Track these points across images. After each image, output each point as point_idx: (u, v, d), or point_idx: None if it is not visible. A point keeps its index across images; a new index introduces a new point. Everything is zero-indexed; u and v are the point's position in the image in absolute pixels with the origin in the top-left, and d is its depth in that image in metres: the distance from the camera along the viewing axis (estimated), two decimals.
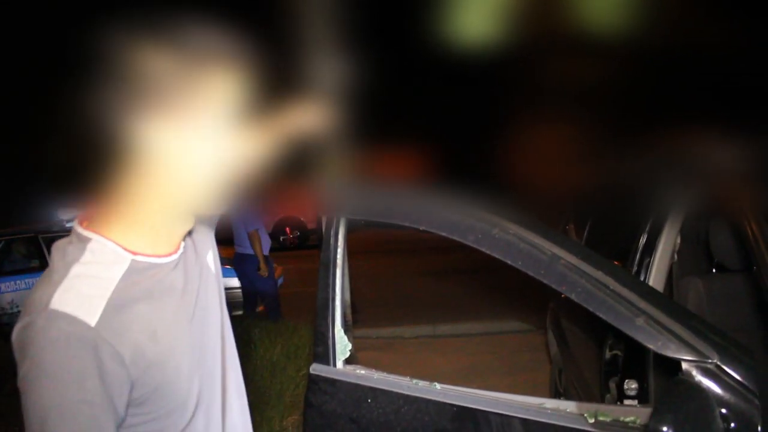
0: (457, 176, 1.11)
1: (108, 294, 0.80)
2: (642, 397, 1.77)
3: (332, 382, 1.66)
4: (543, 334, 4.14)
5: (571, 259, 1.39)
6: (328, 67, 0.85)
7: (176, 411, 0.88)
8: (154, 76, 0.76)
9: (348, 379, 1.65)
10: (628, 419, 1.37)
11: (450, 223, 1.47)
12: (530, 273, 1.39)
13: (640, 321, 1.28)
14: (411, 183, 1.27)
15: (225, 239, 5.50)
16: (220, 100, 0.80)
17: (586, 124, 1.02)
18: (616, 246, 2.23)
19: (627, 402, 1.79)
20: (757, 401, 1.21)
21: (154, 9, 0.75)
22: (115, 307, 0.80)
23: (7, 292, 6.07)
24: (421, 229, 1.50)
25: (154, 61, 0.75)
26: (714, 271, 2.29)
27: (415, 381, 1.60)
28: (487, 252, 1.41)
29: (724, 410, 1.21)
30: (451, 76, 0.95)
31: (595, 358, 2.16)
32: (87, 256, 0.82)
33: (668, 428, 1.09)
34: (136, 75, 0.75)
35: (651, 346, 1.27)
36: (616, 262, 1.80)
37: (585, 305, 1.33)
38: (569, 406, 1.48)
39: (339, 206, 1.66)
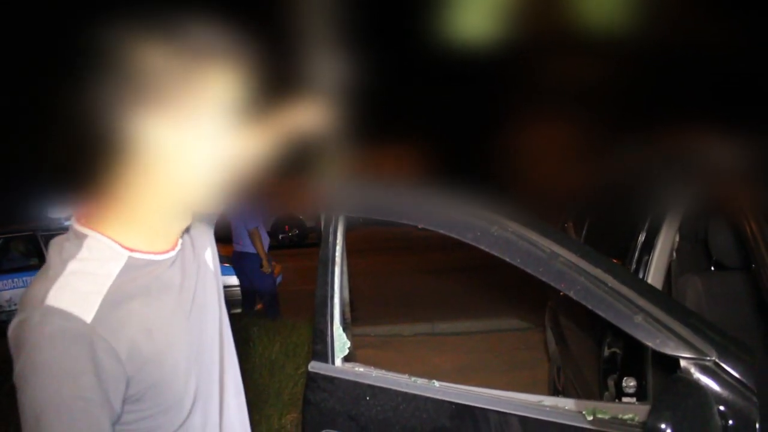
0: (456, 174, 1.11)
1: (104, 290, 0.81)
2: (640, 394, 1.77)
3: (331, 380, 1.66)
4: (541, 331, 4.15)
5: (570, 257, 1.39)
6: (328, 66, 0.85)
7: (173, 408, 0.88)
8: (154, 74, 0.76)
9: (347, 377, 1.65)
10: (626, 416, 1.38)
11: (449, 221, 1.47)
12: (529, 270, 1.39)
13: (638, 318, 1.28)
14: (410, 181, 1.27)
15: (224, 237, 5.50)
16: (219, 98, 0.80)
17: (585, 122, 1.02)
18: (615, 244, 2.23)
19: (625, 399, 1.80)
20: (755, 399, 1.21)
21: (154, 7, 0.75)
22: (112, 303, 0.80)
23: (5, 290, 6.07)
24: (419, 227, 1.50)
25: (154, 59, 0.75)
26: (712, 269, 2.29)
27: (413, 379, 1.60)
28: (486, 250, 1.41)
29: (722, 407, 1.21)
30: (450, 74, 0.95)
31: (594, 356, 2.16)
32: (84, 252, 0.82)
33: (666, 425, 1.09)
34: (136, 72, 0.75)
35: (649, 344, 1.27)
36: (614, 260, 1.80)
37: (584, 303, 1.33)
38: (568, 403, 1.48)
39: (338, 204, 1.65)
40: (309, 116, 0.87)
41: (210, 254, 1.03)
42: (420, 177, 1.13)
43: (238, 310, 5.60)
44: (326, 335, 1.68)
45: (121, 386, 0.80)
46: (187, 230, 0.95)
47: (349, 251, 1.77)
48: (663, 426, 1.10)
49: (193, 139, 0.80)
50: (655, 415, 1.11)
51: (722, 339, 1.29)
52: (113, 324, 0.80)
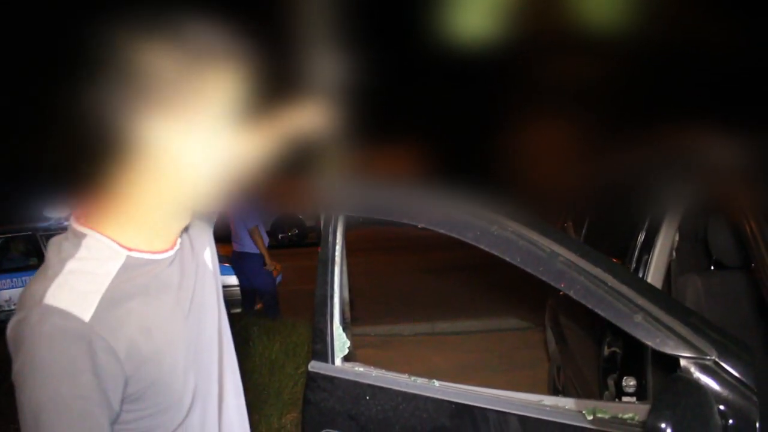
0: (456, 174, 1.11)
1: (102, 290, 0.81)
2: (640, 394, 1.77)
3: (331, 380, 1.66)
4: (541, 331, 4.15)
5: (570, 256, 1.39)
6: (328, 66, 0.85)
7: (172, 407, 0.88)
8: (155, 73, 0.76)
9: (346, 377, 1.65)
10: (626, 416, 1.38)
11: (449, 221, 1.47)
12: (529, 270, 1.39)
13: (638, 318, 1.28)
14: (410, 181, 1.27)
15: (223, 237, 5.50)
16: (220, 97, 0.80)
17: (585, 122, 1.02)
18: (615, 243, 2.23)
19: (625, 399, 1.80)
20: (755, 398, 1.21)
21: (154, 6, 0.75)
22: (110, 302, 0.80)
23: (5, 289, 6.07)
24: (419, 226, 1.50)
25: (155, 58, 0.75)
26: (712, 268, 2.29)
27: (413, 378, 1.60)
28: (486, 249, 1.41)
29: (722, 407, 1.21)
30: (450, 74, 0.95)
31: (594, 355, 2.16)
32: (82, 252, 0.82)
33: (666, 425, 1.09)
34: (137, 72, 0.75)
35: (649, 343, 1.27)
36: (614, 260, 1.80)
37: (583, 302, 1.33)
38: (568, 403, 1.48)
39: (338, 204, 1.65)
40: (309, 117, 0.87)
41: (209, 254, 1.03)
42: (420, 176, 1.13)
43: (238, 310, 5.60)
44: (326, 335, 1.68)
45: (119, 385, 0.80)
46: (186, 230, 0.95)
47: (348, 251, 1.77)
48: (663, 425, 1.10)
49: (194, 139, 0.80)
50: (655, 414, 1.11)
51: (722, 338, 1.29)
52: (112, 323, 0.80)
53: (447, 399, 1.52)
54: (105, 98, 0.76)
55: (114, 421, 0.81)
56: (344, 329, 1.71)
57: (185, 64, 0.77)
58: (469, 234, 1.43)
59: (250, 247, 5.40)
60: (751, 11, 0.90)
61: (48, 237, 5.97)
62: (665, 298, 1.63)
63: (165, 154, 0.80)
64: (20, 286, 6.04)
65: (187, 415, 0.91)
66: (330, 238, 1.70)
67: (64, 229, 0.88)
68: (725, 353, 1.24)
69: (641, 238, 2.01)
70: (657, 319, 1.28)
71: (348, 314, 1.78)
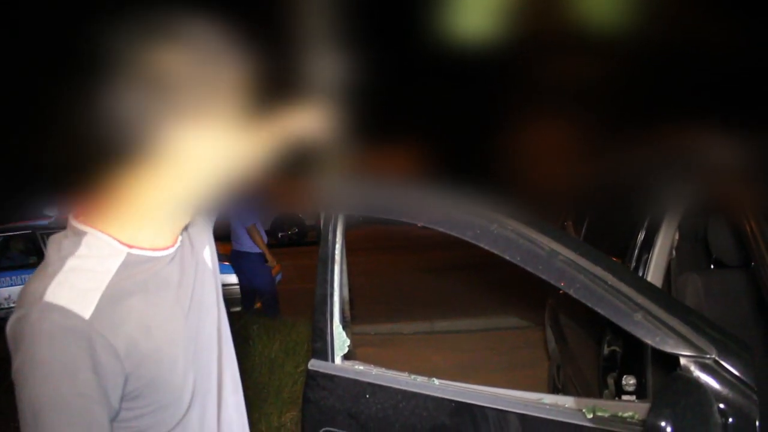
0: (456, 173, 1.11)
1: (103, 287, 0.81)
2: (640, 392, 1.77)
3: (331, 378, 1.66)
4: (541, 330, 4.15)
5: (570, 255, 1.39)
6: (328, 66, 0.85)
7: (171, 405, 0.89)
8: (158, 72, 0.76)
9: (346, 375, 1.65)
10: (626, 414, 1.38)
11: (449, 219, 1.47)
12: (529, 269, 1.39)
13: (638, 316, 1.28)
14: (410, 180, 1.27)
15: (223, 236, 5.50)
16: (224, 96, 0.80)
17: (584, 121, 1.02)
18: (615, 242, 2.24)
19: (625, 397, 1.80)
20: (755, 396, 1.21)
21: (155, 6, 0.75)
22: (110, 300, 0.80)
23: (4, 287, 6.08)
24: (419, 225, 1.50)
25: (158, 57, 0.75)
26: (712, 267, 2.29)
27: (413, 377, 1.60)
28: (486, 248, 1.41)
29: (722, 405, 1.21)
30: (450, 74, 0.95)
31: (594, 354, 2.16)
32: (82, 249, 0.83)
33: (666, 423, 1.10)
34: (141, 71, 0.75)
35: (649, 342, 1.27)
36: (614, 259, 1.80)
37: (583, 301, 1.34)
38: (567, 401, 1.48)
39: (338, 203, 1.65)
40: (308, 121, 0.87)
41: (209, 253, 1.03)
42: (420, 176, 1.13)
43: (238, 309, 5.60)
44: (326, 333, 1.68)
45: (119, 383, 0.81)
46: (185, 228, 0.95)
47: (348, 249, 1.77)
48: (663, 423, 1.10)
49: (199, 137, 0.80)
50: (655, 412, 1.12)
51: (722, 337, 1.29)
52: (112, 321, 0.80)
53: (447, 397, 1.52)
54: (108, 97, 0.76)
55: (113, 419, 0.81)
56: (344, 328, 1.71)
57: (188, 63, 0.77)
58: (469, 233, 1.43)
59: (248, 246, 5.40)
60: (751, 11, 0.90)
61: (47, 235, 5.99)
62: (665, 296, 1.63)
63: (170, 152, 0.80)
64: (19, 284, 6.04)
65: (186, 413, 0.91)
66: (330, 237, 1.70)
67: (64, 227, 0.88)
68: (725, 352, 1.25)
69: (641, 237, 2.01)
70: (657, 318, 1.28)
71: (348, 313, 1.78)
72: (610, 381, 1.94)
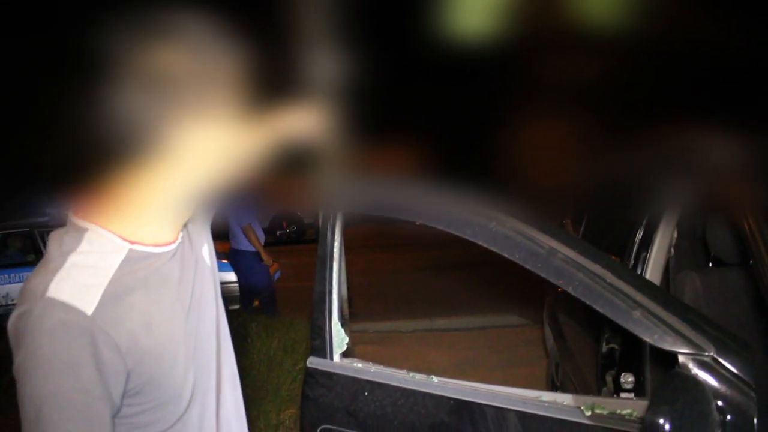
0: (455, 171, 1.11)
1: (105, 283, 0.81)
2: (639, 390, 1.77)
3: (329, 376, 1.66)
4: (540, 328, 4.16)
5: (569, 253, 1.39)
6: (327, 64, 0.85)
7: (171, 402, 0.89)
8: (158, 69, 0.76)
9: (345, 373, 1.65)
10: (624, 412, 1.38)
11: (447, 217, 1.47)
12: (527, 266, 1.39)
13: (636, 314, 1.28)
14: (408, 178, 1.27)
15: (222, 234, 5.51)
16: (224, 93, 0.80)
17: (584, 119, 1.02)
18: (613, 241, 2.24)
19: (623, 395, 1.80)
20: (753, 394, 1.21)
21: (154, 5, 0.75)
22: (112, 296, 0.80)
23: (2, 284, 6.07)
24: (418, 223, 1.50)
25: (158, 55, 0.75)
26: (710, 265, 2.29)
27: (412, 374, 1.60)
28: (485, 246, 1.41)
29: (720, 403, 1.22)
30: (449, 72, 0.95)
31: (592, 352, 2.16)
32: (84, 245, 0.82)
33: (665, 420, 1.10)
34: (140, 69, 0.75)
35: (648, 339, 1.27)
36: (613, 257, 1.80)
37: (582, 299, 1.34)
38: (566, 399, 1.48)
39: (336, 201, 1.65)
40: (305, 122, 0.87)
41: (207, 250, 1.03)
42: (419, 174, 1.13)
43: (236, 307, 5.61)
44: (324, 331, 1.68)
45: (121, 379, 0.81)
46: (185, 226, 0.95)
47: (347, 247, 1.77)
48: (661, 421, 1.10)
49: (200, 133, 0.80)
50: (654, 410, 1.12)
51: (720, 335, 1.29)
52: (113, 317, 0.80)
53: (445, 395, 1.53)
54: (108, 96, 0.75)
55: (115, 416, 0.81)
56: (343, 325, 1.71)
57: (187, 61, 0.77)
58: (468, 231, 1.43)
59: (245, 245, 5.42)
60: (751, 11, 0.90)
61: (45, 233, 5.99)
62: (664, 294, 1.63)
63: (170, 149, 0.80)
64: (17, 282, 6.05)
65: (186, 410, 0.91)
66: (328, 235, 1.70)
67: (62, 224, 0.87)
68: (723, 349, 1.25)
69: (640, 235, 2.01)
70: (655, 316, 1.28)
71: (346, 311, 1.78)
72: (609, 378, 1.94)
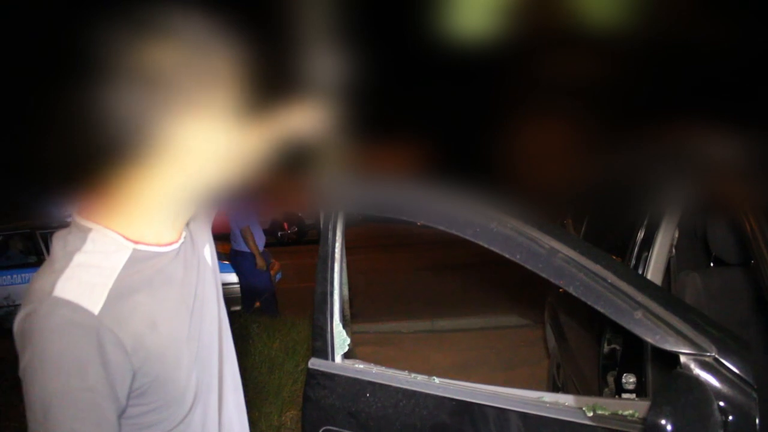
0: (456, 171, 1.11)
1: (110, 282, 0.81)
2: (640, 391, 1.77)
3: (331, 377, 1.66)
4: (541, 328, 4.15)
5: (570, 253, 1.39)
6: (327, 64, 0.85)
7: (175, 402, 0.89)
8: (158, 69, 0.76)
9: (346, 374, 1.65)
10: (626, 412, 1.38)
11: (448, 218, 1.47)
12: (528, 267, 1.39)
13: (638, 314, 1.28)
14: (409, 177, 1.27)
15: (224, 235, 5.53)
16: (221, 92, 0.80)
17: (584, 119, 1.02)
18: (614, 240, 2.24)
19: (625, 396, 1.80)
20: (755, 394, 1.21)
21: (152, 4, 0.75)
22: (118, 295, 0.80)
23: (3, 285, 6.08)
24: (419, 223, 1.50)
25: (159, 55, 0.75)
26: (712, 265, 2.29)
27: (413, 375, 1.60)
28: (486, 246, 1.41)
29: (722, 403, 1.21)
30: (450, 72, 0.95)
31: (594, 352, 2.16)
32: (88, 245, 0.83)
33: (666, 421, 1.10)
34: (141, 68, 0.75)
35: (649, 340, 1.27)
36: (614, 257, 1.80)
37: (583, 299, 1.33)
38: (567, 399, 1.48)
39: (337, 201, 1.65)
40: (305, 120, 0.87)
41: (208, 251, 1.04)
42: (420, 174, 1.13)
43: (238, 308, 5.61)
44: (326, 332, 1.68)
45: (127, 379, 0.81)
46: (187, 225, 0.95)
47: (348, 248, 1.77)
48: (663, 421, 1.10)
49: (201, 131, 0.80)
50: (655, 410, 1.12)
51: (722, 335, 1.29)
52: (119, 316, 0.80)
53: (447, 396, 1.52)
54: (106, 96, 0.75)
55: (120, 416, 0.81)
56: (344, 326, 1.71)
57: (184, 60, 0.77)
58: (469, 231, 1.43)
59: (245, 246, 5.44)
60: (750, 11, 0.90)
61: (47, 234, 6.00)
62: (665, 294, 1.63)
63: (170, 148, 0.80)
64: (19, 283, 6.06)
65: (189, 411, 0.91)
66: (330, 236, 1.70)
67: (64, 225, 0.88)
68: (725, 350, 1.24)
69: (641, 235, 2.01)
70: (657, 316, 1.28)
71: (348, 311, 1.78)
72: (610, 379, 1.94)
